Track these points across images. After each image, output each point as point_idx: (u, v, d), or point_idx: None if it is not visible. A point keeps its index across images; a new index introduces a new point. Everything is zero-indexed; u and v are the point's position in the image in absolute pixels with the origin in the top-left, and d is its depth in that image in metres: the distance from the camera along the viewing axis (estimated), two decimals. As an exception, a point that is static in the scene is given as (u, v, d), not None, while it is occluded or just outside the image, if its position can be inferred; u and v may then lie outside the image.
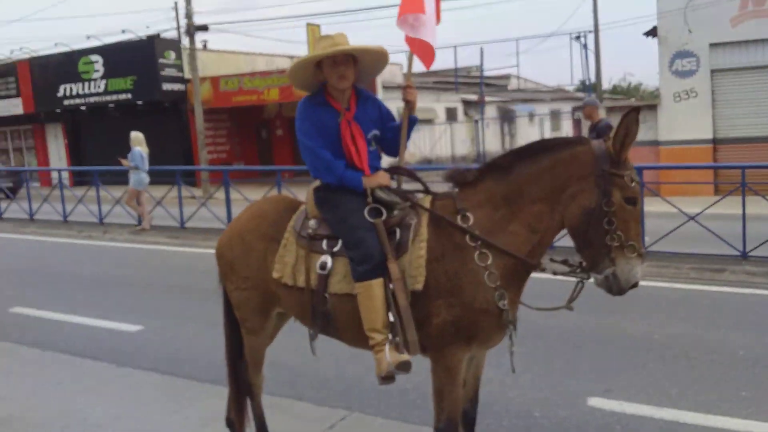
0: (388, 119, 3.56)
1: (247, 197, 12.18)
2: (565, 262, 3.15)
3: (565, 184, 3.00)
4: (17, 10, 59.28)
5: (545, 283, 3.99)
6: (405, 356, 3.08)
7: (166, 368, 5.59)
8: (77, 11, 47.60)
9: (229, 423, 3.90)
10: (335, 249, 3.28)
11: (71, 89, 25.21)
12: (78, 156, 26.65)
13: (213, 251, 3.83)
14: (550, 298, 3.37)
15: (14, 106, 26.71)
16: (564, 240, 3.49)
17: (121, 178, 13.70)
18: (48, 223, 14.32)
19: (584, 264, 3.07)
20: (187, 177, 17.52)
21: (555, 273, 3.14)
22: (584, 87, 34.01)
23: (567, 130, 33.24)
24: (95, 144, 25.44)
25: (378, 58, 3.43)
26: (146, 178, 12.64)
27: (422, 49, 3.65)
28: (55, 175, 18.87)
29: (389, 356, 3.07)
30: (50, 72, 25.63)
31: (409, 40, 3.63)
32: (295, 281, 3.35)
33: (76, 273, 9.59)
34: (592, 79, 31.11)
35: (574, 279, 3.16)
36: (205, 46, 29.61)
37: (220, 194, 12.52)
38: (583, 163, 2.98)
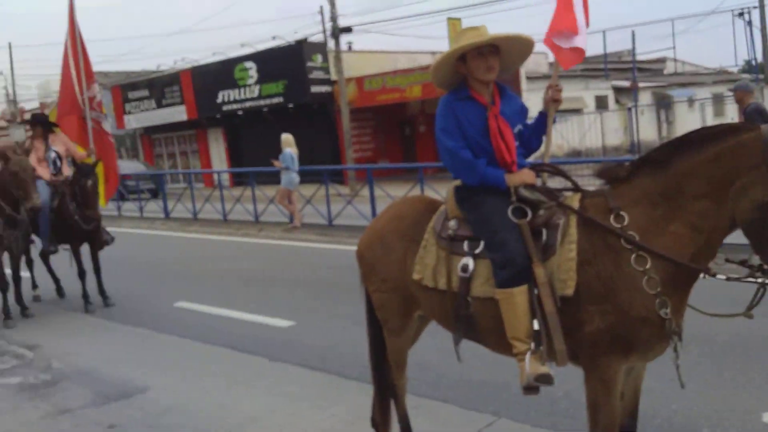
0: (525, 115, 3.40)
1: (391, 194, 12.35)
2: (743, 263, 2.81)
3: (732, 177, 2.66)
4: (178, 23, 64.27)
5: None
6: (545, 369, 2.90)
7: (315, 364, 5.74)
8: (231, 21, 50.62)
9: (374, 423, 3.89)
10: (477, 251, 3.16)
11: (229, 95, 26.82)
12: (237, 158, 28.32)
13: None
14: (718, 299, 3.04)
15: (179, 113, 28.87)
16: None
17: (274, 179, 14.36)
18: (210, 221, 15.32)
19: (765, 266, 2.72)
20: (335, 175, 18.06)
21: (729, 279, 2.82)
22: (750, 68, 31.16)
23: (732, 115, 30.62)
24: (252, 146, 26.89)
25: (524, 48, 3.28)
26: (296, 178, 13.15)
27: (569, 54, 3.47)
28: (216, 176, 20.13)
29: (530, 367, 2.91)
30: (209, 80, 27.42)
31: (551, 44, 3.46)
32: (436, 283, 3.27)
33: (234, 269, 10.15)
34: (759, 58, 28.44)
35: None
36: (350, 48, 30.41)
37: (366, 192, 12.77)
38: (752, 151, 2.63)
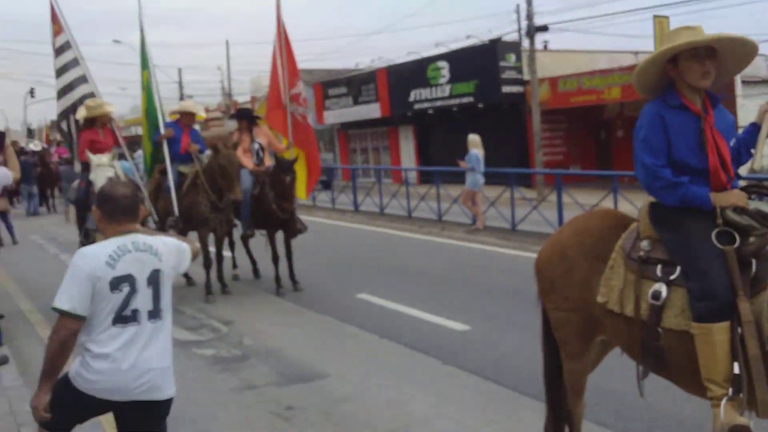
0: (734, 128, 3.04)
1: (580, 202, 11.83)
2: None
3: None
4: (377, 24, 66.51)
5: None
6: (743, 420, 2.55)
7: (489, 373, 5.63)
8: (426, 21, 51.47)
9: (545, 447, 3.72)
10: (672, 277, 2.87)
11: (420, 94, 27.30)
12: (426, 156, 28.76)
13: None
14: None
15: (373, 111, 29.91)
16: None
17: (459, 178, 14.38)
18: (395, 217, 15.70)
19: None
20: (522, 179, 17.69)
21: None
22: None
23: None
24: (440, 145, 27.16)
25: (746, 53, 2.92)
26: (481, 180, 13.06)
27: None
28: (403, 173, 20.59)
29: (725, 416, 2.58)
30: (403, 78, 28.07)
31: None
32: (623, 309, 3.03)
33: (414, 267, 10.31)
34: None
35: None
36: (545, 47, 29.58)
37: (554, 197, 12.36)
38: None
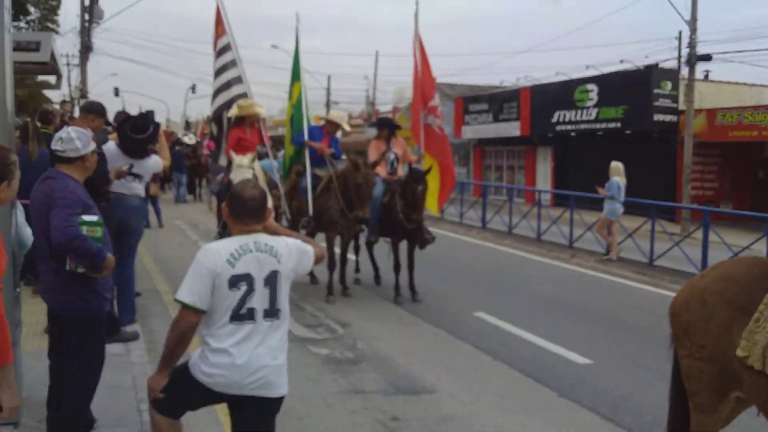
0: None
1: (728, 242, 10.93)
2: None
3: None
4: (525, 43, 65.64)
5: None
6: None
7: (606, 411, 5.29)
8: (578, 42, 50.13)
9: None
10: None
11: (564, 116, 26.53)
12: (562, 179, 27.92)
13: None
14: None
15: (513, 129, 29.43)
16: None
17: (596, 205, 13.76)
18: (523, 238, 15.26)
19: None
20: (665, 212, 16.66)
21: None
22: None
23: None
24: (579, 168, 26.24)
25: None
26: (620, 209, 12.40)
27: None
28: (537, 194, 20.05)
29: None
30: (547, 99, 27.41)
31: None
32: (765, 367, 2.70)
33: (538, 291, 9.94)
34: None
35: None
36: (706, 77, 27.83)
37: (699, 234, 11.48)
38: None
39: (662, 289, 10.11)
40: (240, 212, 3.04)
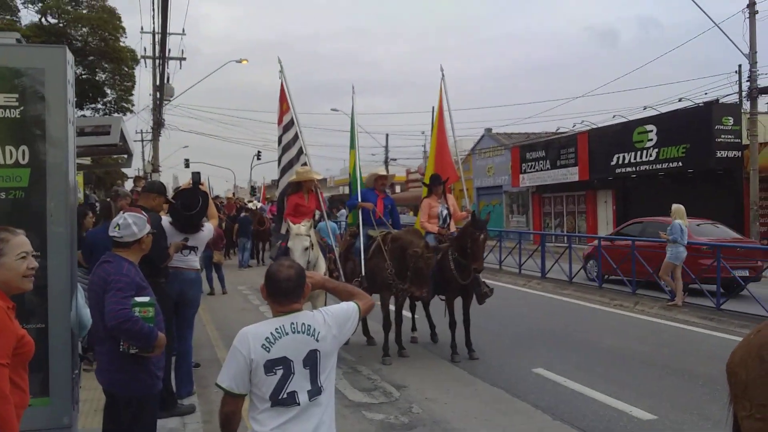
0: None
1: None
2: None
3: None
4: (581, 88, 65.32)
5: None
6: None
7: (671, 471, 5.09)
8: (635, 83, 49.40)
9: None
10: None
11: (624, 158, 26.12)
12: (625, 221, 27.25)
13: None
14: None
15: (571, 174, 29.12)
16: None
17: (659, 251, 13.37)
18: (584, 286, 14.94)
19: None
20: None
21: None
22: None
23: None
24: (642, 211, 25.61)
25: None
26: (684, 253, 12.04)
27: None
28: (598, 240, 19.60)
29: None
30: (606, 142, 27.09)
31: None
32: None
33: (600, 342, 9.68)
34: None
35: None
36: (769, 109, 27.02)
37: (769, 275, 11.02)
38: None
39: (731, 335, 9.70)
40: (275, 293, 3.05)
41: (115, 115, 26.43)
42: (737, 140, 22.52)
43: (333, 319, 3.12)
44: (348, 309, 3.20)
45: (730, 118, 22.68)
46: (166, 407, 5.63)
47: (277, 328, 2.97)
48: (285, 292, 3.04)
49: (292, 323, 2.99)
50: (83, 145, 8.96)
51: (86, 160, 16.03)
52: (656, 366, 8.26)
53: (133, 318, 3.60)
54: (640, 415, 6.38)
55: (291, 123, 9.66)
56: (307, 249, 7.90)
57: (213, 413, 6.35)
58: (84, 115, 24.48)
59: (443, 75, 10.28)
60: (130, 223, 3.88)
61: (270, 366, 2.90)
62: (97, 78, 27.94)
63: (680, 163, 23.59)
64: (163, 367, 4.05)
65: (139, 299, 3.70)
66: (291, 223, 8.21)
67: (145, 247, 3.99)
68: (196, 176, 7.35)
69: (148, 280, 4.00)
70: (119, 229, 3.87)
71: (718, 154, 22.44)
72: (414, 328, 9.90)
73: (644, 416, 6.35)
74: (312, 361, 2.96)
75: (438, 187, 9.60)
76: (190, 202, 6.56)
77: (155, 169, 31.98)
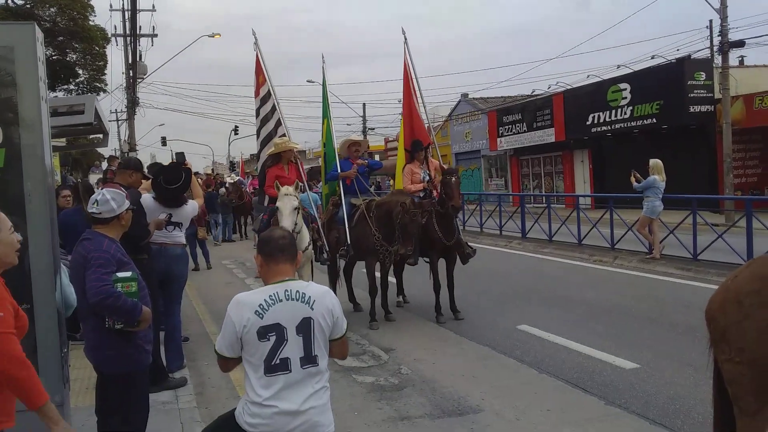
0: None
1: (774, 230, 10.67)
2: None
3: None
4: (556, 50, 65.34)
5: None
6: None
7: (655, 416, 5.25)
8: (608, 43, 49.56)
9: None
10: None
11: (599, 117, 26.30)
12: (601, 180, 27.62)
13: None
14: None
15: (548, 135, 29.29)
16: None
17: (636, 204, 13.56)
18: (564, 244, 15.14)
19: None
20: (708, 204, 16.31)
21: None
22: None
23: None
24: (618, 169, 25.88)
25: None
26: (660, 206, 12.22)
27: None
28: (576, 199, 19.84)
29: None
30: (581, 102, 27.23)
31: None
32: None
33: (581, 297, 9.86)
34: None
35: None
36: (741, 62, 27.28)
37: (743, 223, 11.23)
38: None
39: (708, 284, 9.92)
40: (272, 251, 3.08)
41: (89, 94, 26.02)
42: (710, 95, 22.76)
43: (335, 304, 3.12)
44: (342, 323, 3.17)
45: (702, 73, 22.88)
46: (157, 381, 5.66)
47: (270, 295, 3.00)
48: (281, 247, 3.09)
49: (286, 290, 3.02)
50: (57, 126, 8.78)
51: (61, 142, 15.76)
52: (637, 317, 8.45)
53: (115, 293, 3.58)
54: (622, 364, 6.55)
55: (268, 95, 9.59)
56: (296, 209, 7.88)
57: (204, 385, 6.42)
58: (57, 97, 24.06)
59: (406, 39, 10.10)
60: (109, 199, 3.85)
61: (263, 332, 2.93)
62: (68, 59, 27.47)
63: (654, 120, 23.82)
64: (151, 341, 4.06)
65: (120, 274, 3.67)
66: (279, 185, 8.15)
67: (125, 223, 3.96)
68: (180, 156, 7.31)
69: (131, 257, 3.99)
70: (98, 206, 3.84)
71: (691, 110, 22.69)
72: (399, 293, 10.00)
73: (627, 365, 6.52)
74: (305, 328, 2.99)
75: (420, 153, 9.62)
76: (173, 177, 6.54)
77: (132, 148, 31.57)
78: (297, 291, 3.02)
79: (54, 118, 7.45)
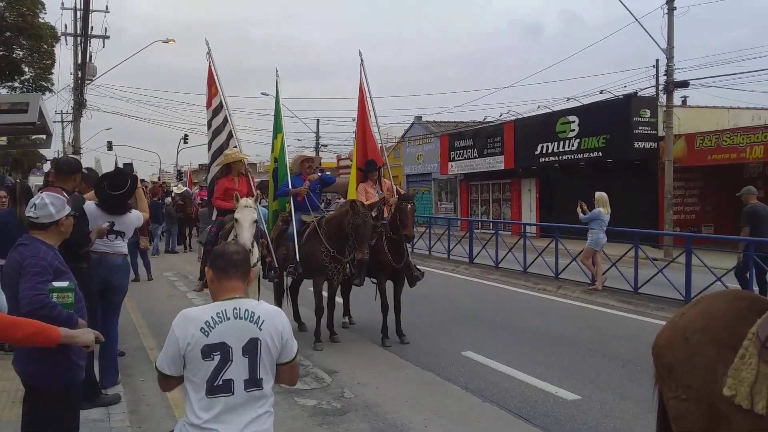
0: None
1: (711, 267, 11.01)
2: None
3: None
4: (508, 79, 66.79)
5: None
6: None
7: (594, 448, 5.29)
8: (558, 75, 50.98)
9: None
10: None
11: (547, 147, 26.83)
12: (547, 209, 28.13)
13: (664, 322, 3.41)
14: None
15: (497, 162, 29.72)
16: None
17: (581, 235, 13.83)
18: (510, 271, 15.32)
19: None
20: (648, 238, 16.75)
21: None
22: None
23: None
24: (564, 199, 26.44)
25: None
26: (603, 239, 12.50)
27: None
28: (522, 226, 20.14)
29: None
30: (530, 132, 27.76)
31: None
32: (753, 405, 2.68)
33: (526, 325, 9.95)
34: None
35: None
36: (684, 102, 28.29)
37: (683, 259, 11.56)
38: None
39: (647, 317, 10.18)
40: (225, 266, 2.96)
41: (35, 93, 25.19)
42: (654, 132, 23.49)
43: (284, 325, 3.00)
44: (292, 346, 3.06)
45: (647, 110, 23.62)
46: (89, 398, 5.42)
47: (218, 312, 2.88)
48: (235, 263, 2.98)
49: (235, 308, 2.90)
50: (-1, 124, 8.47)
51: (2, 141, 15.16)
52: (579, 348, 8.57)
53: (50, 303, 3.40)
54: (564, 395, 6.61)
55: (220, 106, 9.44)
56: (255, 221, 7.69)
57: (139, 403, 6.19)
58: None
59: (362, 60, 10.14)
60: (47, 203, 3.67)
61: (207, 351, 2.81)
62: (14, 55, 26.61)
63: (600, 153, 24.43)
64: (85, 356, 3.88)
65: (57, 284, 3.49)
66: (239, 197, 7.94)
67: (64, 229, 3.79)
68: (128, 167, 7.07)
69: (69, 266, 3.80)
70: (35, 210, 3.66)
71: (636, 145, 23.37)
72: (346, 314, 9.91)
73: (569, 396, 6.58)
74: (252, 349, 2.87)
75: (374, 173, 9.62)
76: (118, 183, 6.32)
77: (76, 151, 30.60)
78: (246, 310, 2.91)
79: (-5, 116, 7.19)
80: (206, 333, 2.83)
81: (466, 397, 6.64)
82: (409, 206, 8.70)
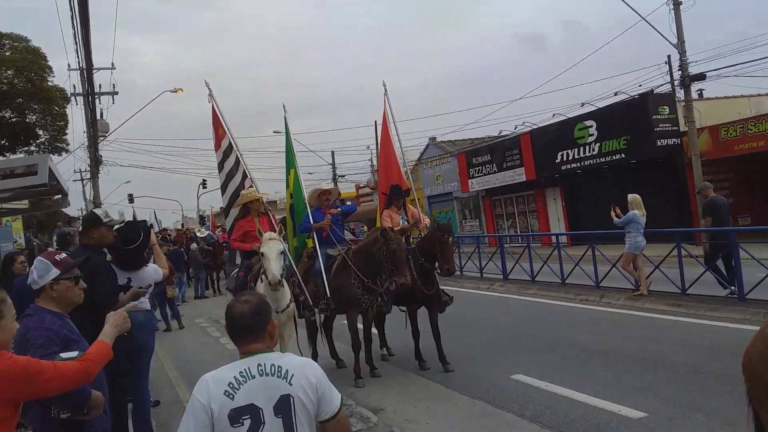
0: None
1: (758, 258, 10.47)
2: None
3: None
4: (516, 92, 66.69)
5: None
6: None
7: (672, 470, 4.84)
8: (571, 82, 50.68)
9: None
10: None
11: (567, 154, 26.40)
12: (575, 216, 27.62)
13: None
14: None
15: (518, 175, 29.31)
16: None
17: (614, 241, 13.34)
18: (547, 284, 14.81)
19: None
20: (685, 237, 16.17)
21: None
22: None
23: None
24: (590, 205, 25.98)
25: None
26: (642, 242, 12.00)
27: None
28: (554, 237, 19.63)
29: None
30: (548, 141, 27.36)
31: None
32: None
33: (573, 340, 9.46)
34: None
35: None
36: (701, 95, 27.78)
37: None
38: None
39: (702, 320, 9.64)
40: (231, 333, 2.68)
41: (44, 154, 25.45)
42: (675, 128, 22.99)
43: (318, 377, 2.68)
44: (333, 398, 2.72)
45: (665, 107, 23.16)
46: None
47: (241, 372, 2.57)
48: (239, 331, 2.66)
49: (260, 365, 2.59)
50: (11, 188, 8.31)
51: (23, 204, 15.14)
52: (633, 359, 8.07)
53: None
54: (628, 413, 6.15)
55: (230, 148, 9.18)
56: (282, 252, 7.36)
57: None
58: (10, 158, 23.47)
59: (386, 90, 10.02)
60: (32, 269, 3.43)
61: (235, 416, 2.50)
62: (27, 120, 26.98)
63: (623, 155, 23.95)
64: (108, 429, 3.57)
65: (65, 355, 3.15)
66: (262, 231, 7.64)
67: (57, 295, 3.49)
68: (142, 224, 6.82)
69: (95, 328, 3.51)
70: (30, 276, 3.45)
71: (659, 143, 22.87)
72: (383, 345, 9.54)
73: (634, 414, 6.12)
74: (285, 408, 2.56)
75: (399, 199, 9.35)
76: (129, 236, 6.03)
77: (97, 206, 30.82)
78: (273, 365, 2.60)
79: (7, 180, 7.01)
80: (231, 396, 2.52)
81: (524, 426, 6.20)
82: (450, 239, 8.38)
